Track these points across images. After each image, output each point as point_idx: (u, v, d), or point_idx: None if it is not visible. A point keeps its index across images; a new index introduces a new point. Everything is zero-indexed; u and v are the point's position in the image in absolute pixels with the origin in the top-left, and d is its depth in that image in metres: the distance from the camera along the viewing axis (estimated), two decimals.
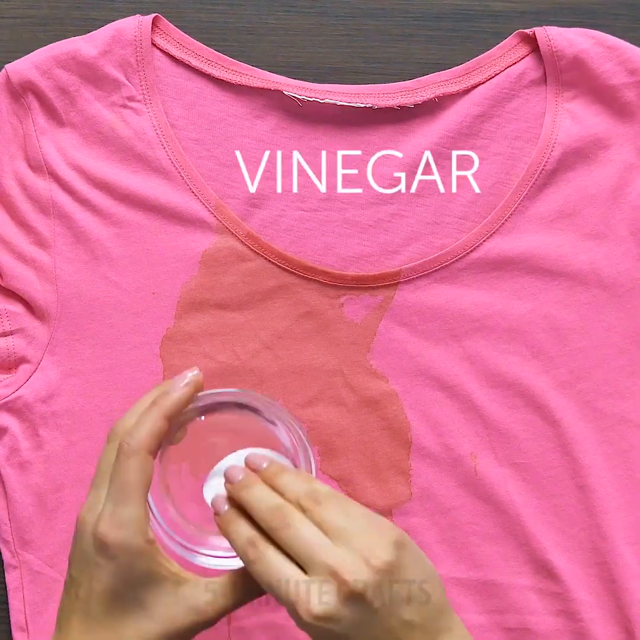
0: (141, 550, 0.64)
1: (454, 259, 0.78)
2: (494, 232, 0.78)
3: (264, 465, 0.66)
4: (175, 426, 0.68)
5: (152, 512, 0.67)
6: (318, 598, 0.61)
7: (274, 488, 0.65)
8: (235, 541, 0.64)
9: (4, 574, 0.78)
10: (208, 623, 0.65)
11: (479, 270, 0.78)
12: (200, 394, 0.68)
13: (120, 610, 0.64)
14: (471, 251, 0.78)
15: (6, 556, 0.78)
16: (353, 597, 0.61)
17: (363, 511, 0.65)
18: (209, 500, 0.67)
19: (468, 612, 0.78)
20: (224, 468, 0.67)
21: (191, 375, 0.67)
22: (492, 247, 0.78)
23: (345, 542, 0.62)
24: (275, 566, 0.62)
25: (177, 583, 0.65)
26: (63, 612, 0.66)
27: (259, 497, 0.64)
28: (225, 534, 0.65)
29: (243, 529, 0.64)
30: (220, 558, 0.68)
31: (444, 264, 0.78)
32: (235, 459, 0.67)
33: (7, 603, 0.78)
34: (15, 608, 0.78)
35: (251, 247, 0.78)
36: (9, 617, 0.78)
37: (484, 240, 0.78)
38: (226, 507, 0.66)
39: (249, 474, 0.66)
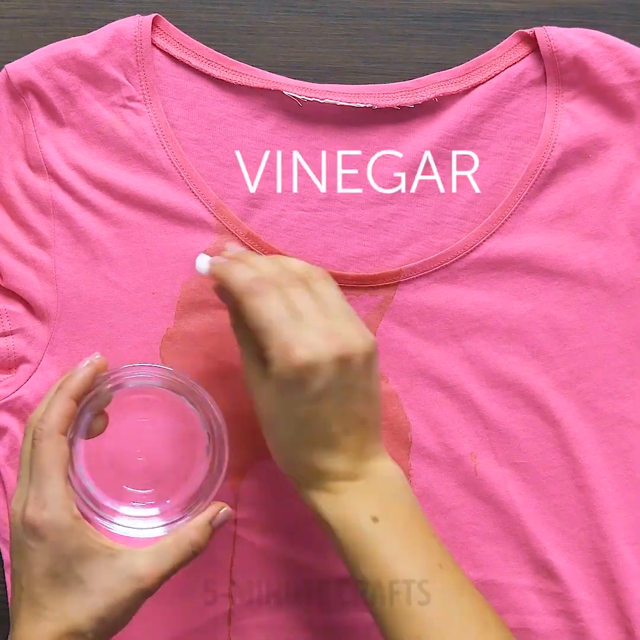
0: (69, 527, 0.66)
1: (454, 258, 0.78)
2: (494, 232, 0.78)
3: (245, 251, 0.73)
4: (93, 407, 0.70)
5: (74, 488, 0.68)
6: (313, 349, 0.66)
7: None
8: (238, 279, 0.68)
9: (4, 574, 0.78)
10: (149, 590, 0.67)
11: (479, 270, 0.78)
12: (121, 373, 0.71)
13: (61, 589, 0.66)
14: (471, 251, 0.78)
15: (6, 556, 0.78)
16: (342, 360, 0.66)
17: (348, 306, 0.70)
18: None
19: None
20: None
21: (93, 358, 0.70)
22: (492, 247, 0.78)
23: (338, 319, 0.68)
24: (274, 303, 0.67)
25: (111, 556, 0.67)
26: (13, 607, 0.67)
27: (244, 269, 0.69)
28: (228, 275, 0.69)
29: (247, 270, 0.69)
30: (139, 529, 0.70)
31: (444, 264, 0.78)
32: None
33: (7, 603, 0.78)
34: None
35: (251, 247, 0.78)
36: (8, 617, 0.78)
37: (484, 240, 0.78)
38: (225, 260, 0.71)
39: (246, 251, 0.73)
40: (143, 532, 0.70)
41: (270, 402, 0.68)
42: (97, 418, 0.71)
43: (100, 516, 0.70)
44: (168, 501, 0.72)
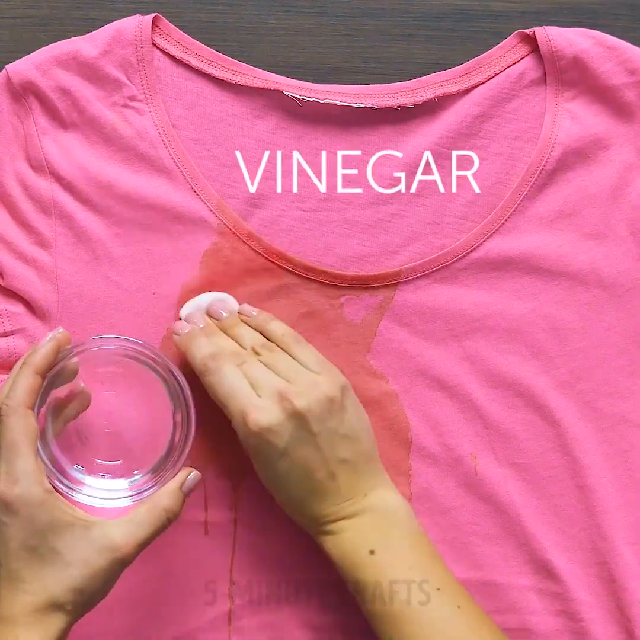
0: (41, 500, 0.67)
1: (454, 259, 0.78)
2: (494, 232, 0.78)
3: (224, 315, 0.76)
4: (59, 380, 0.72)
5: (44, 462, 0.69)
6: (265, 413, 0.70)
7: (232, 337, 0.75)
8: (195, 356, 0.73)
9: None
10: (126, 559, 0.68)
11: (479, 270, 0.78)
12: (85, 345, 0.72)
13: (38, 562, 0.66)
14: (471, 251, 0.78)
15: None
16: (296, 414, 0.71)
17: (315, 355, 0.75)
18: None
19: None
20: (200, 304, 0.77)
21: (56, 332, 0.71)
22: (492, 247, 0.78)
23: (294, 378, 0.72)
24: (231, 377, 0.72)
25: (85, 527, 0.67)
26: None
27: (209, 350, 0.74)
28: (187, 349, 0.74)
29: (205, 345, 0.74)
30: (110, 499, 0.72)
31: (444, 264, 0.78)
32: (196, 304, 0.77)
33: None
34: None
35: (252, 247, 0.78)
36: None
37: (484, 240, 0.78)
38: (188, 329, 0.75)
39: (196, 329, 0.75)
40: (114, 502, 0.72)
41: (256, 467, 0.74)
42: (80, 395, 0.73)
43: (71, 488, 0.71)
44: (137, 471, 0.74)
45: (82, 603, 0.67)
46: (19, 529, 0.66)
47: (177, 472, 0.72)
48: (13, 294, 0.78)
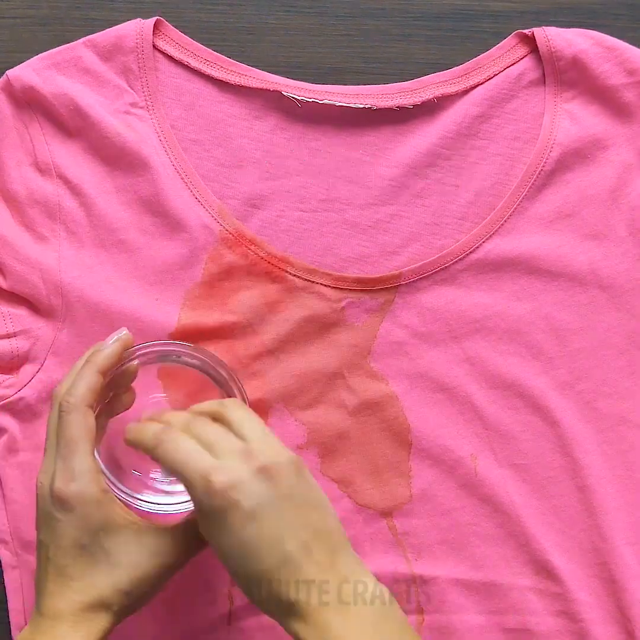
0: (97, 499, 0.66)
1: (454, 260, 0.78)
2: (493, 233, 0.78)
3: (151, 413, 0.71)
4: (117, 384, 0.72)
5: (100, 463, 0.70)
6: (230, 471, 0.63)
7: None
8: (144, 437, 0.67)
9: (3, 574, 0.79)
10: (175, 566, 0.68)
11: (479, 271, 0.78)
12: (147, 349, 0.72)
13: (88, 560, 0.66)
14: (471, 252, 0.78)
15: (6, 556, 0.78)
16: (264, 471, 0.63)
17: (265, 428, 0.67)
18: None
19: (468, 613, 0.78)
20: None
21: (120, 333, 0.71)
22: (491, 248, 0.78)
23: (251, 438, 0.65)
24: (183, 444, 0.65)
25: (138, 531, 0.67)
26: (39, 578, 0.68)
27: (145, 428, 0.68)
28: (134, 439, 0.68)
29: (152, 425, 0.68)
30: (163, 505, 0.72)
31: (443, 266, 0.78)
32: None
33: (6, 603, 0.78)
34: (15, 608, 0.78)
35: (255, 252, 0.78)
36: (8, 618, 0.78)
37: (483, 242, 0.78)
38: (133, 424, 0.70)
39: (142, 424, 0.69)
40: (167, 508, 0.72)
41: (215, 543, 0.65)
42: (125, 393, 0.73)
43: (126, 493, 0.71)
44: None
45: (127, 605, 0.67)
46: (72, 527, 0.66)
47: None
48: (16, 297, 0.78)
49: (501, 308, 0.78)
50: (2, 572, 0.79)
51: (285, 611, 0.63)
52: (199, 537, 0.67)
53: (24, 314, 0.78)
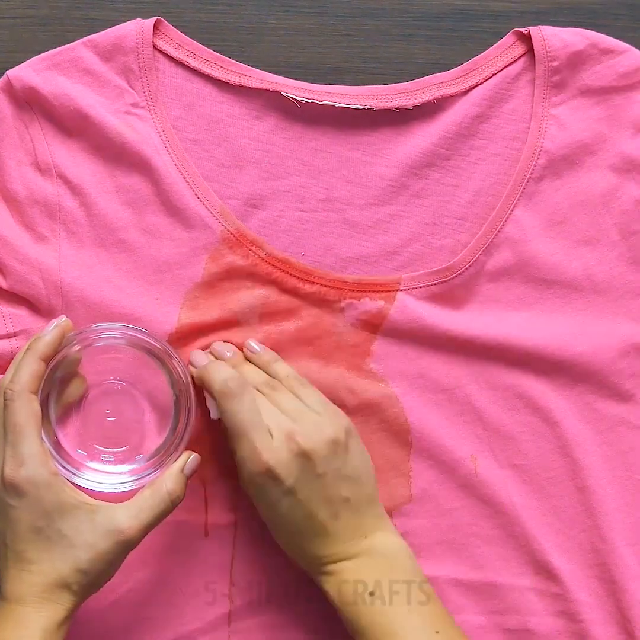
0: (47, 482, 0.68)
1: (453, 276, 0.78)
2: (488, 244, 0.78)
3: (228, 354, 0.76)
4: (64, 370, 0.74)
5: (48, 447, 0.71)
6: (274, 453, 0.71)
7: None
8: (215, 379, 0.73)
9: None
10: (131, 542, 0.69)
11: (475, 283, 0.78)
12: (88, 333, 0.74)
13: (45, 543, 0.68)
14: (469, 266, 0.78)
15: None
16: (302, 455, 0.71)
17: (319, 397, 0.75)
18: None
19: (468, 613, 0.78)
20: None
21: (59, 320, 0.73)
22: (486, 260, 0.78)
23: (299, 419, 0.72)
24: (251, 410, 0.72)
25: (90, 511, 0.69)
26: (0, 567, 0.69)
27: (225, 376, 0.73)
28: (206, 375, 0.74)
29: (226, 368, 0.73)
30: (113, 484, 0.73)
31: (442, 280, 0.78)
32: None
33: None
34: None
35: (256, 253, 0.78)
36: None
37: (479, 254, 0.78)
38: (207, 361, 0.75)
39: (213, 359, 0.76)
40: (116, 487, 0.73)
41: (256, 501, 0.74)
42: (76, 381, 0.75)
43: (73, 473, 0.72)
44: (139, 457, 0.75)
45: (87, 584, 0.68)
46: (26, 511, 0.68)
47: (179, 455, 0.73)
48: (16, 296, 0.78)
49: (498, 317, 0.78)
50: None
51: (316, 569, 0.73)
52: (152, 512, 0.69)
53: (24, 314, 0.78)
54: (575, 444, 0.77)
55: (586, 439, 0.78)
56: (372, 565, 0.72)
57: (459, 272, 0.78)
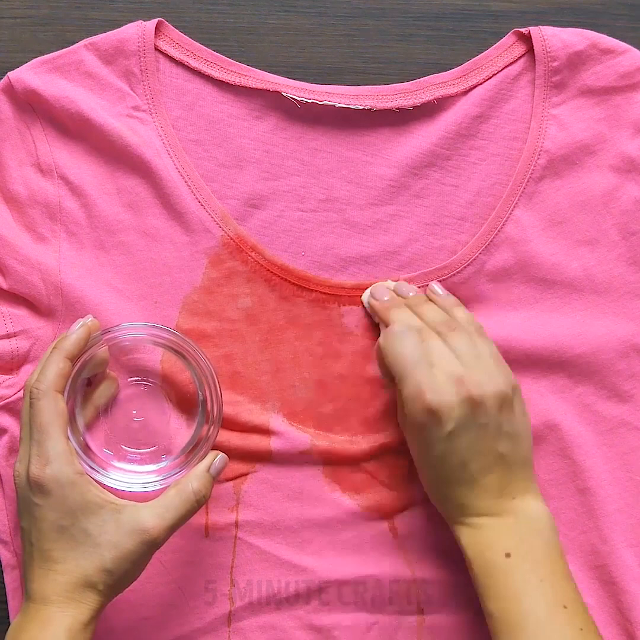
0: (72, 481, 0.68)
1: (451, 274, 0.78)
2: (488, 244, 0.78)
3: (411, 293, 0.77)
4: (88, 367, 0.74)
5: (74, 446, 0.71)
6: (441, 394, 0.70)
7: (416, 314, 0.75)
8: (393, 318, 0.74)
9: (3, 574, 0.79)
10: (156, 542, 0.69)
11: (475, 283, 0.78)
12: (114, 333, 0.74)
13: (70, 542, 0.68)
14: (468, 265, 0.78)
15: (6, 557, 0.78)
16: (469, 401, 0.70)
17: (493, 349, 0.74)
18: None
19: (468, 613, 0.77)
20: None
21: (86, 320, 0.74)
22: (486, 260, 0.78)
23: (472, 365, 0.72)
24: (417, 349, 0.71)
25: (115, 510, 0.68)
26: (25, 565, 0.70)
27: (402, 317, 0.74)
28: (381, 313, 0.75)
29: (405, 311, 0.75)
30: (138, 484, 0.73)
31: (440, 279, 0.78)
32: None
33: (7, 603, 0.78)
34: (15, 608, 0.78)
35: (255, 259, 0.78)
36: (8, 618, 0.78)
37: (479, 254, 0.78)
38: (387, 297, 0.77)
39: (395, 296, 0.77)
40: (142, 486, 0.73)
41: (412, 441, 0.74)
42: (106, 382, 0.75)
43: (99, 473, 0.72)
44: (165, 456, 0.75)
45: (113, 584, 0.69)
46: (51, 510, 0.68)
47: (205, 456, 0.73)
48: (16, 296, 0.78)
49: (498, 317, 0.78)
50: (2, 572, 0.79)
51: (455, 518, 0.72)
52: (177, 512, 0.69)
53: (24, 314, 0.78)
54: (575, 446, 0.77)
55: (586, 440, 0.78)
56: (516, 527, 0.71)
57: (457, 270, 0.78)
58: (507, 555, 0.69)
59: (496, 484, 0.71)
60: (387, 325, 0.74)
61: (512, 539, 0.70)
